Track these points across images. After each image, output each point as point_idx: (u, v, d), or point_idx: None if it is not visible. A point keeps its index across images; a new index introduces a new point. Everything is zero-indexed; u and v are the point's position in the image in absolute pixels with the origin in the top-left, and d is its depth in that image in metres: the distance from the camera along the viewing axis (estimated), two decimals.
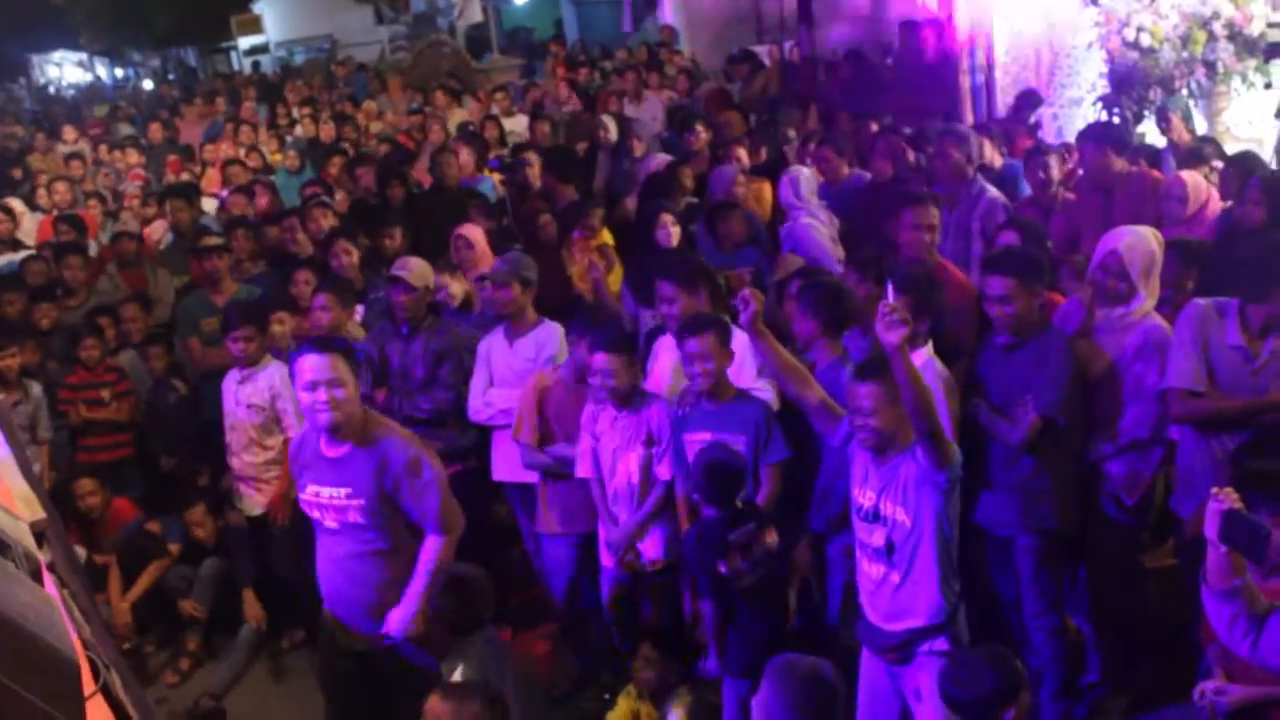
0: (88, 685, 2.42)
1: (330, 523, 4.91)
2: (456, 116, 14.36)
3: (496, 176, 10.68)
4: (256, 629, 7.06)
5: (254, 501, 6.88)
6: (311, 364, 4.72)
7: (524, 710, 4.93)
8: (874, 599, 4.65)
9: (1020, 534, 5.19)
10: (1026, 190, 7.72)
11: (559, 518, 6.14)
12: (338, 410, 4.72)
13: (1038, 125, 9.76)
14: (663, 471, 5.55)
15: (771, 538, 4.92)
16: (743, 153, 9.27)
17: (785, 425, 5.34)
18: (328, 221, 8.90)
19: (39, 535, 3.10)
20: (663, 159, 10.36)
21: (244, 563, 7.15)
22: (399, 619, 4.79)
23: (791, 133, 10.67)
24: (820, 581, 5.52)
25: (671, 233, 7.62)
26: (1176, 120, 8.43)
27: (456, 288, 7.36)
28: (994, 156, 8.52)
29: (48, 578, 2.87)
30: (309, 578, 6.51)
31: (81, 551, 7.06)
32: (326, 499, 4.87)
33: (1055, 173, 7.41)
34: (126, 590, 7.12)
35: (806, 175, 8.18)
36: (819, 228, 7.78)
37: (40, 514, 3.21)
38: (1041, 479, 5.13)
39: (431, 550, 4.85)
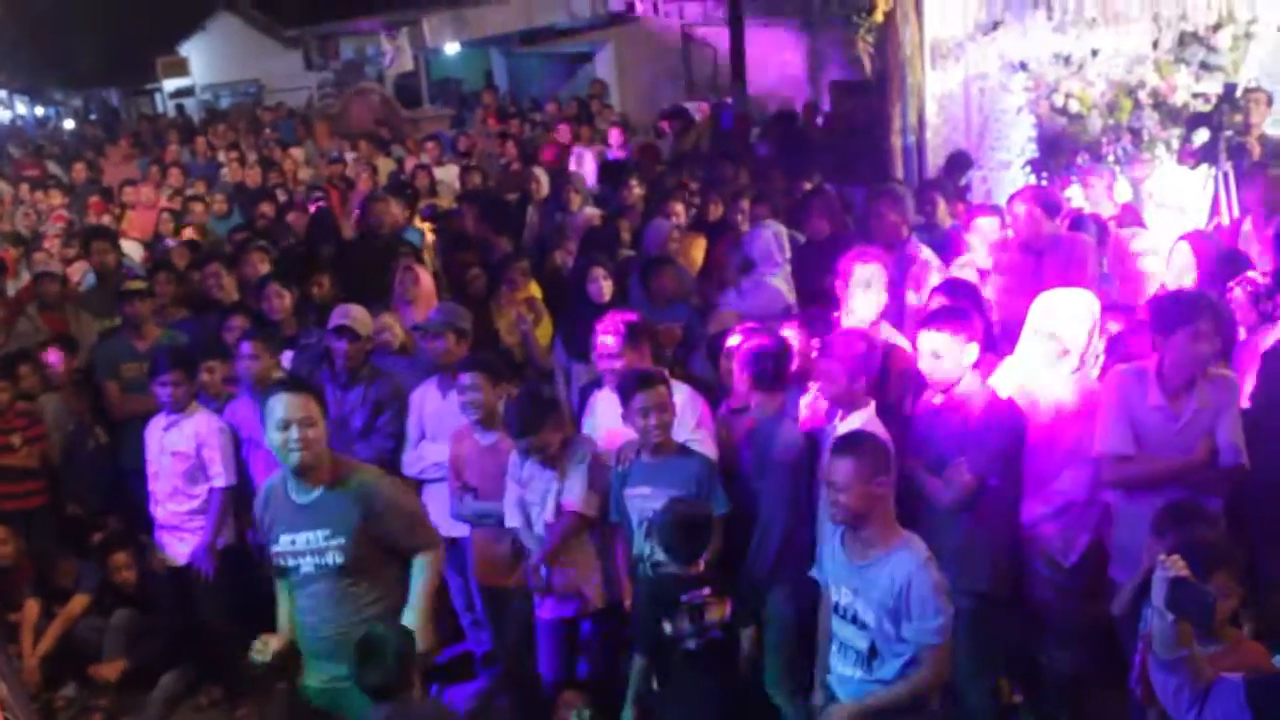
0: None
1: (307, 568, 4.87)
2: (384, 166, 14.31)
3: (427, 226, 10.61)
4: (173, 683, 6.86)
5: (177, 551, 6.67)
6: (285, 403, 4.74)
7: None
8: (846, 686, 4.55)
9: (953, 597, 5.16)
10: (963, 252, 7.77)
11: (491, 569, 6.04)
12: (309, 450, 4.74)
13: (967, 188, 9.89)
14: (568, 503, 5.49)
15: (724, 610, 4.87)
16: (679, 208, 9.28)
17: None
18: (264, 266, 8.78)
19: None
20: (593, 213, 10.41)
21: (166, 610, 6.95)
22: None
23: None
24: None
25: (603, 286, 7.62)
26: (1100, 186, 8.57)
27: (398, 329, 7.27)
28: (945, 216, 8.56)
29: None
30: (236, 628, 6.48)
31: None
32: (303, 545, 4.85)
33: (990, 235, 7.46)
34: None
35: (782, 231, 8.11)
36: (784, 284, 7.79)
37: None
38: (976, 542, 5.12)
39: (424, 568, 4.93)
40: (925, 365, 5.22)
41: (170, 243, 10.96)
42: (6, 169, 17.77)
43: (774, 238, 7.96)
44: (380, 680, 4.42)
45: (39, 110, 40.33)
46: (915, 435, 5.35)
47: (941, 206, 8.55)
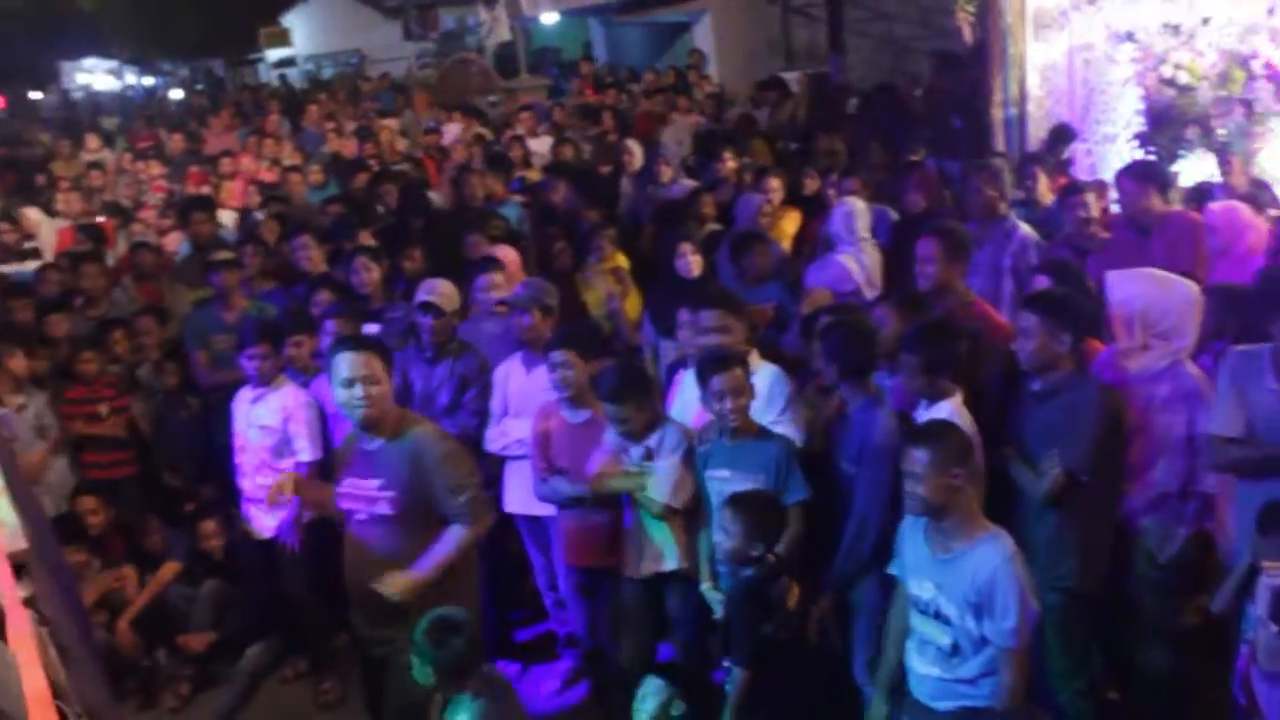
0: None
1: (361, 515, 5.07)
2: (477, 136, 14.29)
3: (518, 199, 10.54)
4: (259, 655, 6.90)
5: (264, 525, 6.68)
6: (348, 361, 4.93)
7: None
8: (924, 685, 4.43)
9: (1043, 591, 4.98)
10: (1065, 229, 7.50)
11: (578, 550, 5.95)
12: (372, 406, 4.94)
13: (1070, 161, 9.58)
14: (657, 495, 5.36)
15: (794, 596, 4.77)
16: (776, 183, 9.10)
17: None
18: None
19: (19, 568, 2.96)
20: (687, 185, 10.26)
21: (253, 582, 6.99)
22: (396, 580, 4.82)
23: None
24: (843, 630, 5.33)
25: (691, 262, 7.49)
26: (1237, 163, 8.22)
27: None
28: (1045, 192, 8.25)
29: (24, 614, 2.73)
30: (321, 602, 6.48)
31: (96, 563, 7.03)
32: (360, 491, 5.05)
33: (1094, 210, 7.19)
34: None
35: (861, 209, 7.96)
36: (854, 263, 7.61)
37: (21, 545, 3.06)
38: (1066, 536, 4.93)
39: (452, 537, 4.97)
40: (1020, 349, 5.02)
41: (258, 215, 11.02)
42: (118, 139, 18.05)
43: (849, 214, 7.80)
44: (452, 662, 4.41)
45: (147, 80, 41.06)
46: (1010, 423, 5.16)
47: (1043, 181, 8.24)
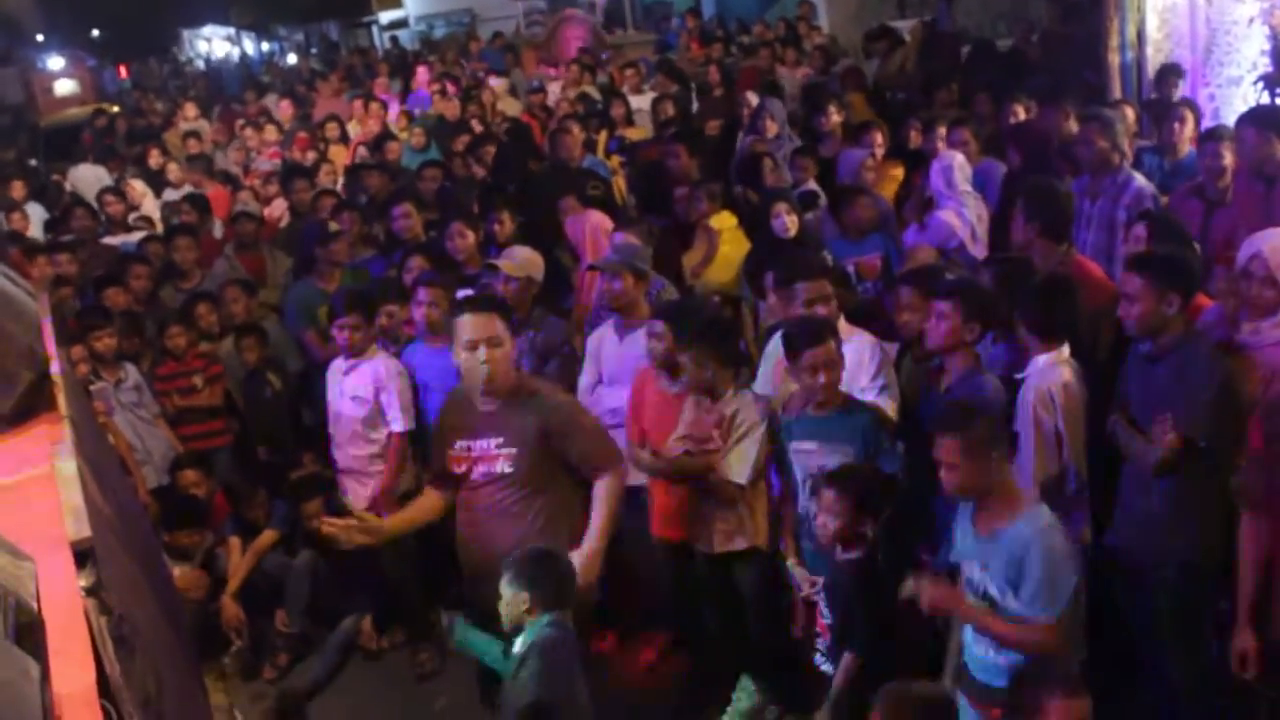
0: None
1: (476, 475, 5.02)
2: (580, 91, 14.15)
3: (616, 160, 10.37)
4: (354, 625, 6.90)
5: (358, 496, 6.62)
6: (470, 324, 4.89)
7: None
8: (979, 668, 4.27)
9: (1154, 566, 4.74)
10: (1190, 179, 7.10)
11: (666, 522, 5.84)
12: (495, 368, 4.87)
13: (1183, 103, 9.10)
14: (725, 471, 5.25)
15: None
16: (879, 137, 8.85)
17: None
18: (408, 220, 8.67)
19: (83, 555, 2.91)
20: (794, 141, 10.07)
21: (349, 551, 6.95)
22: (583, 567, 4.71)
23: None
24: None
25: (787, 221, 7.30)
26: None
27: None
28: (1184, 141, 7.79)
29: (82, 604, 2.67)
30: (417, 573, 6.47)
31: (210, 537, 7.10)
32: (477, 452, 5.00)
33: (1228, 160, 6.70)
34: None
35: (960, 162, 7.76)
36: (955, 219, 7.35)
37: (85, 533, 3.00)
38: (1180, 507, 4.64)
39: (605, 488, 4.95)
40: (1126, 313, 4.72)
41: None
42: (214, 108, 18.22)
43: (947, 168, 7.58)
44: (547, 594, 4.29)
45: (264, 46, 41.65)
46: (1121, 387, 4.89)
47: (1182, 128, 7.81)
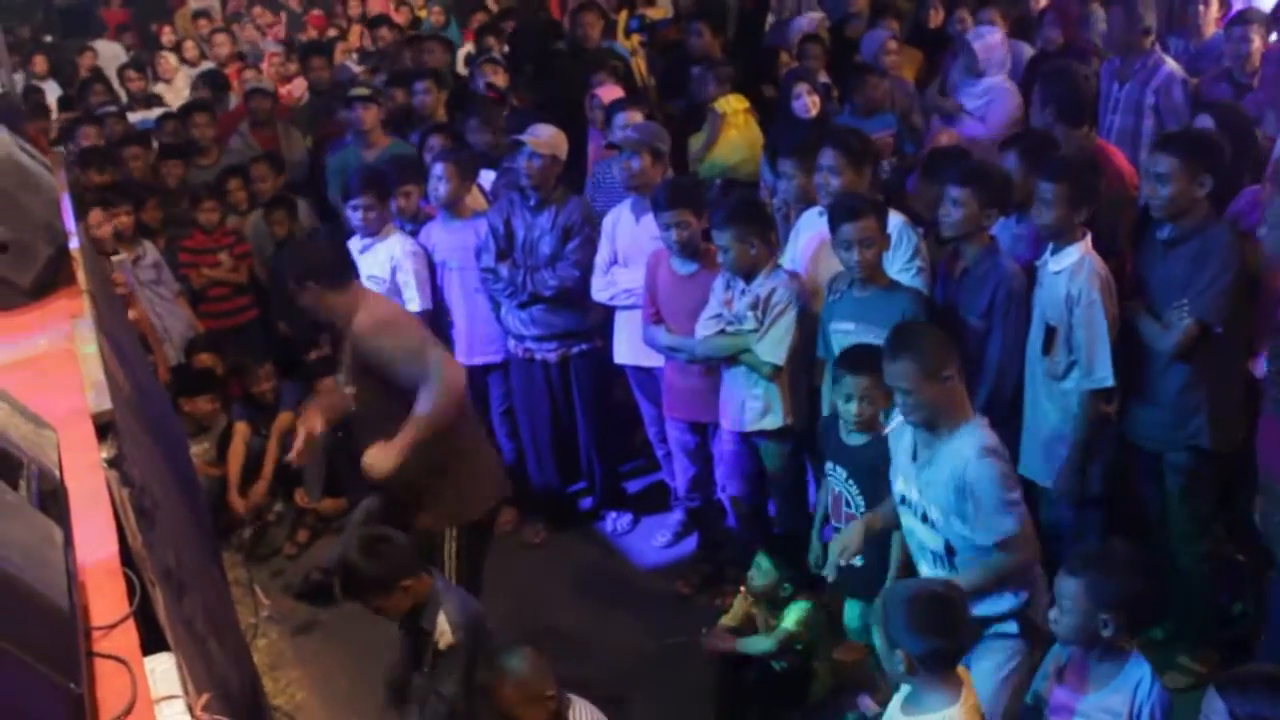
0: (123, 607, 2.25)
1: None
2: None
3: (636, 39, 10.20)
4: (371, 506, 6.95)
5: None
6: None
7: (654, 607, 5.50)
8: None
9: (1169, 450, 4.76)
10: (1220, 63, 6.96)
11: (679, 403, 5.89)
12: None
13: None
14: (762, 352, 5.22)
15: None
16: (893, 23, 8.73)
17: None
18: (498, 78, 8.63)
19: (104, 428, 2.93)
20: (815, 18, 9.88)
21: None
22: None
23: None
24: None
25: (808, 102, 7.19)
26: None
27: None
28: (1208, 24, 7.50)
29: (103, 475, 2.70)
30: None
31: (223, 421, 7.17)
32: None
33: (1257, 44, 6.56)
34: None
35: (1000, 39, 7.54)
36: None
37: (106, 406, 3.02)
38: (1196, 392, 4.65)
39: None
40: (1153, 194, 4.63)
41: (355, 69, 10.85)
42: None
43: (990, 46, 7.41)
44: None
45: None
46: (1139, 272, 4.86)
47: (1206, 10, 7.63)
